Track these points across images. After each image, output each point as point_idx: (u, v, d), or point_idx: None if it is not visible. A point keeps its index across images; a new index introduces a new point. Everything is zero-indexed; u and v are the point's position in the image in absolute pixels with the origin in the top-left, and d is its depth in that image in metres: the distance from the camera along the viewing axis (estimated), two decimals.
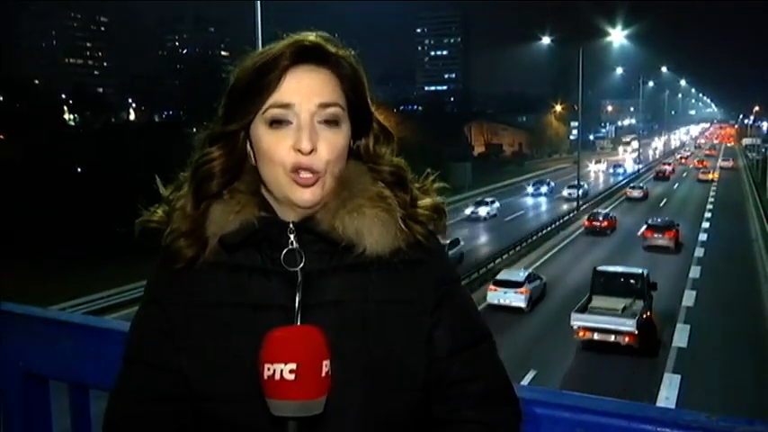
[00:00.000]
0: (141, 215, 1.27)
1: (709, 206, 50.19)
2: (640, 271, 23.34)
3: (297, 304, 1.17)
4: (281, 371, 1.07)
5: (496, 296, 24.20)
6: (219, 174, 1.22)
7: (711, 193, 59.22)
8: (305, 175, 1.17)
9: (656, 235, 34.75)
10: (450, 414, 1.24)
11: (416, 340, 1.21)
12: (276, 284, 1.18)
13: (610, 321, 20.07)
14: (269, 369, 1.08)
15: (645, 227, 36.41)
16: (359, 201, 1.21)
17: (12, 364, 2.02)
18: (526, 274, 25.82)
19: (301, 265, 1.19)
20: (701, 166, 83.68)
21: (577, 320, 20.56)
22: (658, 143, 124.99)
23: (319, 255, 1.20)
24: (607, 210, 39.41)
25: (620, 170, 79.56)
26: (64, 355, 1.95)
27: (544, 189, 59.30)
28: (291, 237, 1.20)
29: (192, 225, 1.21)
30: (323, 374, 1.10)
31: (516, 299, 24.12)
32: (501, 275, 25.76)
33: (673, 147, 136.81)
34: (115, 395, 1.26)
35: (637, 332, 19.81)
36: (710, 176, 72.29)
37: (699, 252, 33.56)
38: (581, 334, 20.33)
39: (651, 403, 15.21)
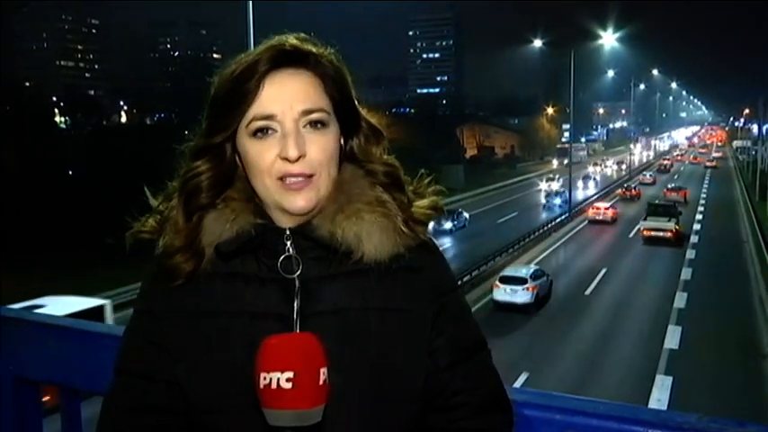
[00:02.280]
0: (131, 226, 1.24)
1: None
2: (673, 203, 45.87)
3: (295, 313, 1.15)
4: (278, 379, 1.05)
5: (595, 215, 46.12)
6: (207, 188, 1.19)
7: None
8: (294, 180, 1.14)
9: (672, 194, 55.70)
10: (448, 424, 1.23)
11: (416, 350, 1.20)
12: (273, 292, 1.16)
13: (660, 225, 39.04)
14: (265, 378, 1.05)
15: (666, 189, 59.67)
16: (357, 205, 1.18)
17: (2, 369, 2.01)
18: (610, 204, 50.32)
19: (298, 272, 1.16)
20: (696, 161, 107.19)
21: (643, 225, 40.02)
22: (635, 150, 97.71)
23: (317, 261, 1.18)
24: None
25: (558, 201, 52.44)
26: (55, 358, 1.94)
27: (448, 225, 40.18)
28: (288, 243, 1.18)
29: (187, 239, 1.18)
30: (320, 382, 1.07)
31: (605, 215, 46.11)
32: (596, 203, 49.85)
33: (646, 161, 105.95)
34: (107, 406, 1.24)
35: (674, 230, 38.53)
36: (714, 164, 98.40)
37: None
38: (645, 233, 39.07)
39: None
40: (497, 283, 25.75)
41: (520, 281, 25.41)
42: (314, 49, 1.19)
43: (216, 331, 1.16)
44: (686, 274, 31.21)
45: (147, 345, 1.21)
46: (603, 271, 31.35)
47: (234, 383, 1.13)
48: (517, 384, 17.59)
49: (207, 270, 1.18)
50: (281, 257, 1.17)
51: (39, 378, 2.02)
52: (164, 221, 1.22)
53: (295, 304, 1.15)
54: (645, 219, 40.37)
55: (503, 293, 25.22)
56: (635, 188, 63.01)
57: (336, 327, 1.14)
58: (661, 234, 38.18)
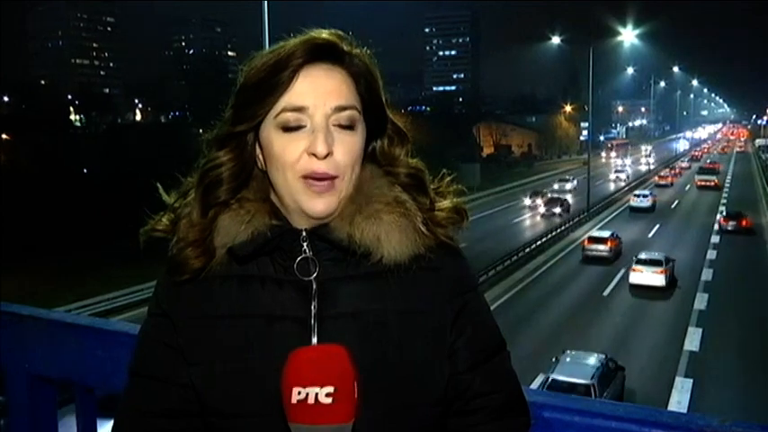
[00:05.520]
0: (146, 223, 1.23)
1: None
2: (714, 167, 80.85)
3: (312, 316, 1.12)
4: (317, 394, 1.00)
5: (660, 181, 70.00)
6: (228, 179, 1.16)
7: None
8: (319, 183, 1.11)
9: (710, 166, 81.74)
10: (468, 428, 1.21)
11: (437, 354, 1.17)
12: (290, 294, 1.13)
13: (707, 178, 69.19)
14: (300, 393, 1.01)
15: (706, 163, 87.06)
16: (375, 206, 1.15)
17: (17, 366, 2.01)
18: (673, 173, 77.87)
19: (315, 273, 1.14)
20: (722, 152, 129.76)
21: (697, 178, 70.01)
22: (612, 161, 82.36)
23: (334, 262, 1.15)
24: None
25: None
26: (70, 357, 1.94)
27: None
28: (305, 245, 1.15)
29: (200, 234, 1.16)
30: (356, 395, 1.03)
31: (667, 181, 70.13)
32: (661, 173, 76.46)
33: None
34: (122, 409, 1.23)
35: (716, 182, 67.74)
36: (743, 150, 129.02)
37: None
38: (698, 183, 67.80)
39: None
40: (633, 197, 51.75)
41: (645, 196, 50.87)
42: (349, 48, 1.16)
43: (232, 334, 1.13)
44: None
45: (161, 347, 1.19)
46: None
47: (251, 388, 1.11)
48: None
49: (221, 272, 1.16)
50: (298, 259, 1.14)
51: (54, 376, 2.01)
52: (177, 220, 1.19)
53: (312, 306, 1.12)
54: (697, 175, 70.80)
55: (636, 202, 50.32)
56: (678, 169, 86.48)
57: (355, 330, 1.12)
58: (707, 184, 65.89)
